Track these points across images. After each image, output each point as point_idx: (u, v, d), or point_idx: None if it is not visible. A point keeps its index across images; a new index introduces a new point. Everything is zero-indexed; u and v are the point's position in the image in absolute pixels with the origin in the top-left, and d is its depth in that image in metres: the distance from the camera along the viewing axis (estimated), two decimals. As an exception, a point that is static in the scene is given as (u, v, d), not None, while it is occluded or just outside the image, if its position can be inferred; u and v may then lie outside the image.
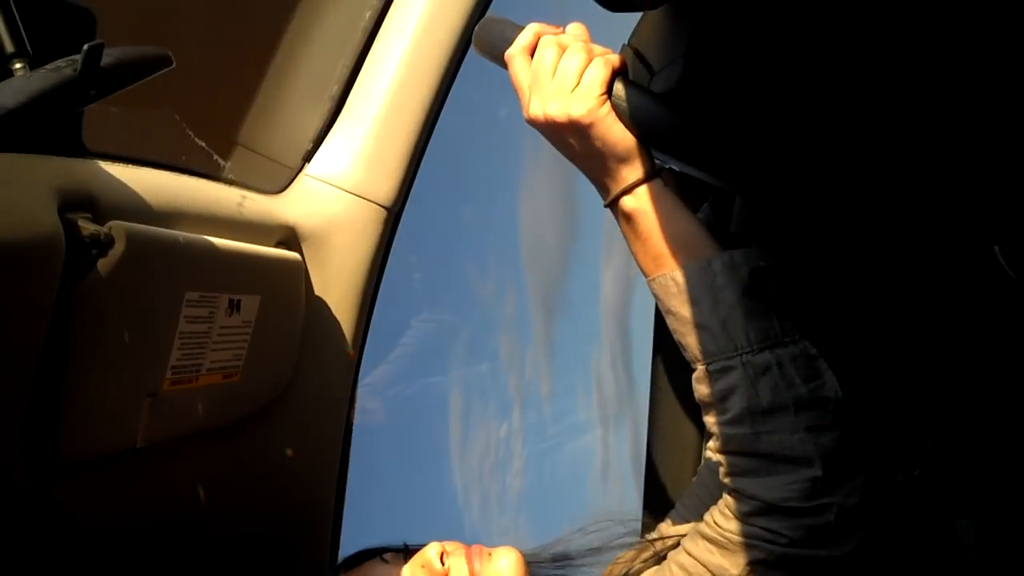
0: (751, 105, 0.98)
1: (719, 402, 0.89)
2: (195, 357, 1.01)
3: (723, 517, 0.90)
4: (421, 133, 1.31)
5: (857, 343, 1.65)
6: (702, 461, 1.23)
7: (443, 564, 1.10)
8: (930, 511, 1.45)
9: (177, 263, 0.96)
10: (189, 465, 1.10)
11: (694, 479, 1.22)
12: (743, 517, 0.88)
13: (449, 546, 1.13)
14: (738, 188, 1.07)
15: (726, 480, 0.90)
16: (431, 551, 1.11)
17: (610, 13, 0.99)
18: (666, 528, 1.18)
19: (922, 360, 1.58)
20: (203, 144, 1.16)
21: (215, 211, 1.08)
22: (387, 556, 1.16)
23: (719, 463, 1.09)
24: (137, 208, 0.94)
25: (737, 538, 0.88)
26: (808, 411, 0.87)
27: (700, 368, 0.91)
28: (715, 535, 0.90)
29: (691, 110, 0.95)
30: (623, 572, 1.16)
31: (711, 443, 1.19)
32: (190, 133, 1.15)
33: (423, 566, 1.11)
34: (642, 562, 1.16)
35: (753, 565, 0.87)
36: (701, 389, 0.91)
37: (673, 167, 1.06)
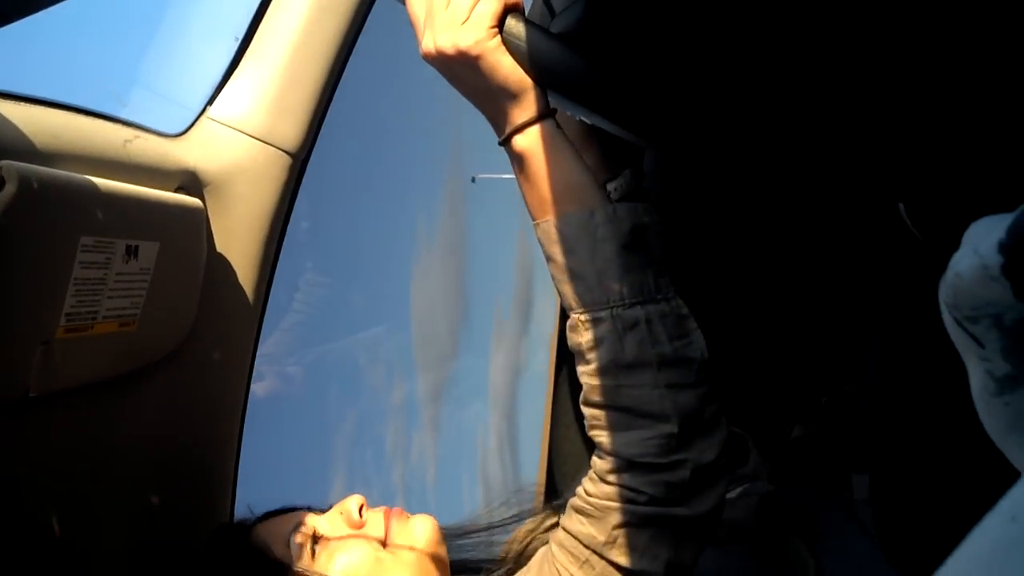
0: (652, 49, 0.96)
1: (588, 352, 0.90)
2: (90, 304, 0.98)
3: (590, 482, 0.91)
4: (328, 79, 1.28)
5: (751, 302, 1.69)
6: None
7: (361, 516, 1.09)
8: (825, 466, 1.50)
9: (72, 206, 0.92)
10: (86, 414, 1.06)
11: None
12: (605, 476, 0.89)
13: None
14: (628, 130, 1.05)
15: (591, 434, 0.92)
16: (351, 502, 1.10)
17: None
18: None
19: (821, 319, 1.64)
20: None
21: (112, 153, 1.04)
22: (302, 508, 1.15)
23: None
24: (29, 148, 0.90)
25: (601, 502, 0.89)
26: (670, 369, 0.89)
27: (574, 316, 0.92)
28: (583, 504, 0.91)
29: (587, 50, 0.94)
30: (526, 540, 1.18)
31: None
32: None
33: (341, 514, 1.10)
34: (544, 530, 1.17)
35: (618, 528, 0.88)
36: (574, 337, 0.92)
37: (568, 111, 1.05)
